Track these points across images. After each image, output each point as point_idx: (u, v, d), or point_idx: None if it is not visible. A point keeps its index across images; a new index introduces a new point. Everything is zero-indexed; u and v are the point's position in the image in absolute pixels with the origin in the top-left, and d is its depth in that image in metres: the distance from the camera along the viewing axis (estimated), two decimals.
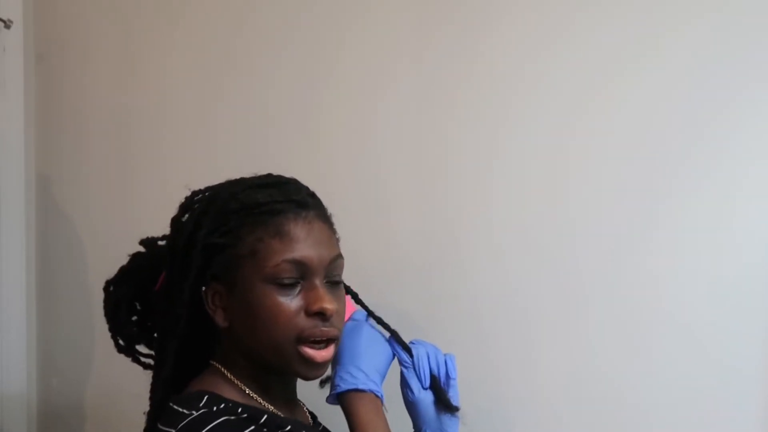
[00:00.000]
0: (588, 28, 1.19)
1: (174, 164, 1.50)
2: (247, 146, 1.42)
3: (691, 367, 1.13)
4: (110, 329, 1.05)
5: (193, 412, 0.86)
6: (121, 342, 1.05)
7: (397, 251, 1.30)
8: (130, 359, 1.05)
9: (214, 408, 0.86)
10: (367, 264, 1.28)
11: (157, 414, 0.93)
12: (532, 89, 1.22)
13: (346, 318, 0.99)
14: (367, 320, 1.04)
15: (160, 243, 1.03)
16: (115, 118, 1.58)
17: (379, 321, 1.04)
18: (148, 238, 1.05)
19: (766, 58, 1.10)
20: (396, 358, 1.02)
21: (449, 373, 1.02)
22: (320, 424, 1.04)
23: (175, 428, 0.85)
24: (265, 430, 0.86)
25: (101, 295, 1.06)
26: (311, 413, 1.05)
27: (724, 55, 1.11)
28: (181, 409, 0.87)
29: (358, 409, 0.94)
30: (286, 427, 0.88)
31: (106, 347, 1.59)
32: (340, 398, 0.96)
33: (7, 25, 1.59)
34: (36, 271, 1.67)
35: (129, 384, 1.00)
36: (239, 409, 0.87)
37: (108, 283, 1.05)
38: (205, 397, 0.88)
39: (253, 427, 0.85)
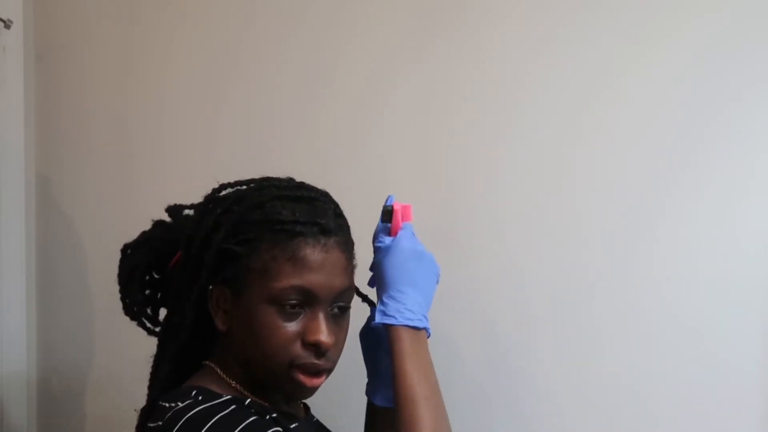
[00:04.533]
0: (589, 29, 1.19)
1: (174, 164, 1.50)
2: (248, 147, 1.42)
3: (692, 366, 1.13)
4: (120, 291, 1.03)
5: (179, 403, 0.85)
6: (128, 303, 1.03)
7: None
8: (135, 323, 1.04)
9: (200, 397, 0.86)
10: (367, 264, 1.28)
11: (150, 412, 0.93)
12: (534, 90, 1.22)
13: (395, 232, 0.95)
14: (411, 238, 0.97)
15: (186, 212, 1.02)
16: (115, 118, 1.58)
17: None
18: (175, 206, 1.03)
19: (766, 57, 1.10)
20: None
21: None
22: (313, 416, 1.03)
23: (162, 420, 0.85)
24: (252, 411, 0.85)
25: (101, 295, 1.06)
26: (305, 405, 1.05)
27: (724, 56, 1.12)
28: (168, 404, 0.87)
29: (408, 347, 0.89)
30: (273, 413, 0.87)
31: (106, 346, 1.61)
32: (390, 328, 0.90)
33: (7, 25, 1.59)
34: (36, 270, 1.67)
35: (129, 382, 1.00)
36: (224, 396, 0.86)
37: (126, 246, 1.04)
38: (193, 392, 0.88)
39: (234, 407, 0.84)
